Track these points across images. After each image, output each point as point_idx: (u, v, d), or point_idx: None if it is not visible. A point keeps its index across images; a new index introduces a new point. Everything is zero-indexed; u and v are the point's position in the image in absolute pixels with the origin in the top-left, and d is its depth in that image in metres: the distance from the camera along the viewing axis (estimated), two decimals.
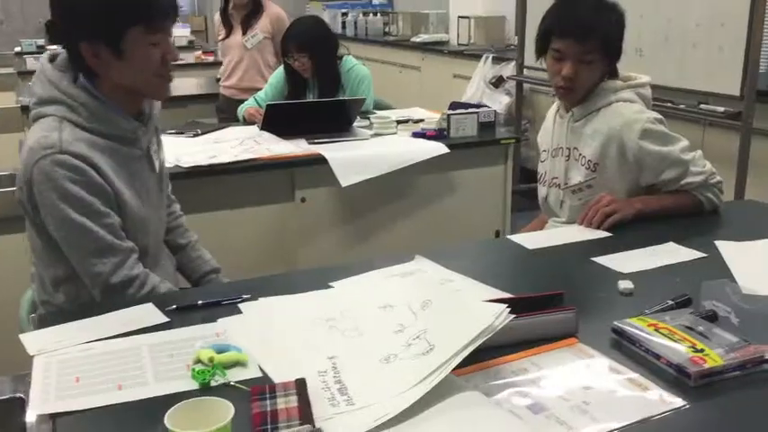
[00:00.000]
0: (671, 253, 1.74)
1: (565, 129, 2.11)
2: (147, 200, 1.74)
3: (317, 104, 3.36)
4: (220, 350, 1.27)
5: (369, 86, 3.62)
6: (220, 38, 4.35)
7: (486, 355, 1.23)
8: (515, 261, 1.74)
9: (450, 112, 3.16)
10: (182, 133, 3.19)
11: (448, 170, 3.08)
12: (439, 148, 2.95)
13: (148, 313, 1.46)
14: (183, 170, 2.64)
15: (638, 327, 1.29)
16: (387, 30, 8.17)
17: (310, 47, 3.45)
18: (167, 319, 1.43)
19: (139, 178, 1.71)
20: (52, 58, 1.67)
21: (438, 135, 3.07)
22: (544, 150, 2.22)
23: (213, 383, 1.19)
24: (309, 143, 2.97)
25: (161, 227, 1.87)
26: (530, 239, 1.86)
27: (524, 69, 5.35)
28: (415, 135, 3.09)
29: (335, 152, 2.85)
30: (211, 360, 1.23)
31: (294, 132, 3.05)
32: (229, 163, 2.71)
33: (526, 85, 5.53)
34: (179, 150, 2.84)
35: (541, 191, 2.23)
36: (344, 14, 8.77)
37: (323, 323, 1.39)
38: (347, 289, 1.57)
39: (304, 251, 2.91)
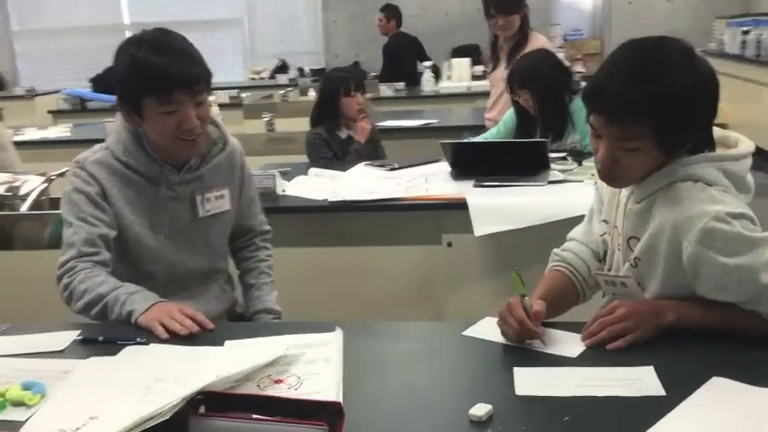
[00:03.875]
0: (626, 382, 1.28)
1: (623, 209, 1.61)
2: (173, 236, 1.92)
3: (495, 145, 3.19)
4: (27, 387, 1.36)
5: None
6: (489, 70, 4.31)
7: None
8: (429, 352, 1.47)
9: None
10: (382, 166, 3.26)
11: None
12: None
13: (59, 340, 1.61)
14: (327, 204, 2.74)
15: None
16: None
17: (530, 83, 3.24)
18: (61, 349, 1.57)
19: (162, 214, 1.90)
20: None
21: None
22: (604, 221, 1.71)
23: None
24: (475, 185, 2.81)
25: (198, 264, 1.99)
26: (480, 328, 1.53)
27: None
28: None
29: (485, 197, 2.66)
30: (2, 395, 1.34)
31: (482, 172, 2.89)
32: (372, 200, 2.72)
33: None
34: (347, 182, 2.95)
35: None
36: (745, 33, 7.81)
37: (150, 382, 1.39)
38: (227, 350, 1.53)
39: (452, 299, 2.76)
